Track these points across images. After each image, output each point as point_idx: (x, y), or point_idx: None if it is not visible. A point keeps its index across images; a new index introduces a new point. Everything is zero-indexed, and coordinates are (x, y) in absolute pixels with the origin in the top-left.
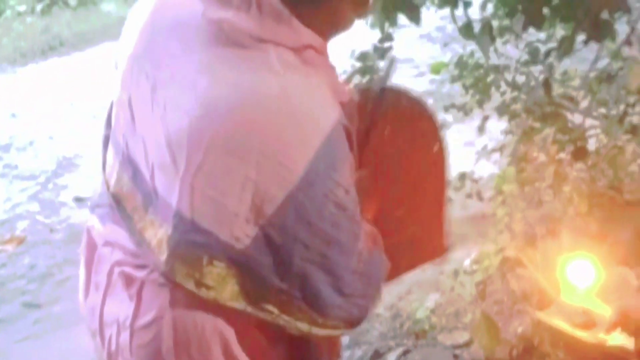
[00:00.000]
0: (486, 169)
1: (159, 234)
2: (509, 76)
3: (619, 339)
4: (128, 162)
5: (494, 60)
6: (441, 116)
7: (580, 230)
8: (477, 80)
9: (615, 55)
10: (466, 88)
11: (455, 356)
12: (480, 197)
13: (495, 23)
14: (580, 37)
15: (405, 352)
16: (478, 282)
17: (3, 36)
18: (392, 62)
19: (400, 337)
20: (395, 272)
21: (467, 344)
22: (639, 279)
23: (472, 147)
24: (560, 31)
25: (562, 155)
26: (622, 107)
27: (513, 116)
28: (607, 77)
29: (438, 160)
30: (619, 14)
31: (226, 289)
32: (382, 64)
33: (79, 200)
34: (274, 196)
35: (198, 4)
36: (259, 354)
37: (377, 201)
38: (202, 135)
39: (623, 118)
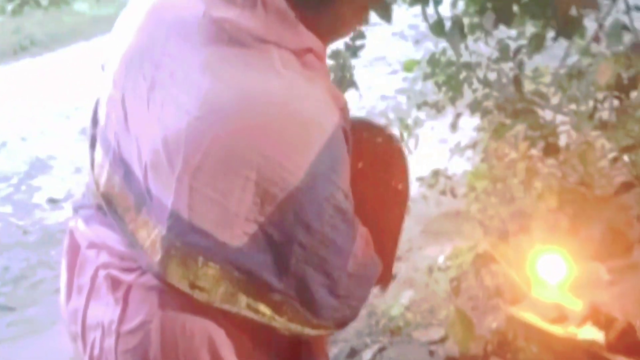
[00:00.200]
0: (460, 165)
1: (152, 234)
2: (480, 73)
3: (590, 333)
4: (119, 162)
5: (465, 57)
6: (414, 113)
7: (551, 225)
8: (449, 78)
9: (585, 51)
10: (439, 85)
11: (431, 352)
12: (454, 194)
13: (466, 20)
14: (550, 34)
15: (381, 349)
16: (452, 279)
17: None
18: None
19: (376, 334)
20: None
21: (442, 340)
22: (609, 274)
23: (445, 144)
24: (530, 28)
25: (534, 151)
26: (591, 103)
27: (485, 113)
28: (577, 74)
29: (401, 197)
30: (587, 10)
31: (219, 291)
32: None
33: (52, 201)
34: (274, 196)
35: (200, 4)
36: (248, 356)
37: None
38: (202, 136)
39: (593, 114)
